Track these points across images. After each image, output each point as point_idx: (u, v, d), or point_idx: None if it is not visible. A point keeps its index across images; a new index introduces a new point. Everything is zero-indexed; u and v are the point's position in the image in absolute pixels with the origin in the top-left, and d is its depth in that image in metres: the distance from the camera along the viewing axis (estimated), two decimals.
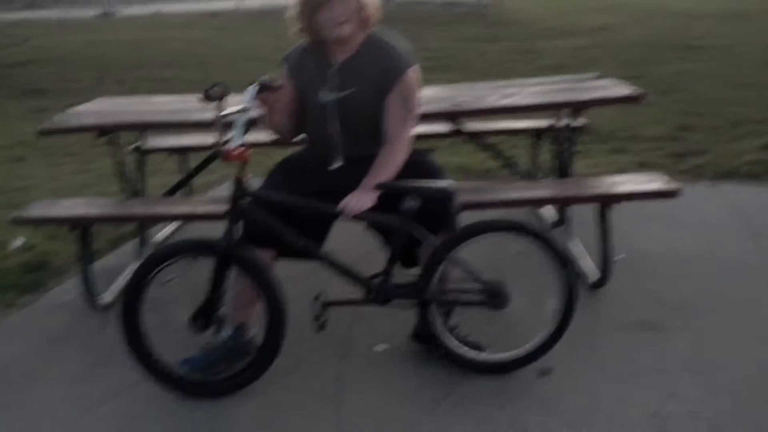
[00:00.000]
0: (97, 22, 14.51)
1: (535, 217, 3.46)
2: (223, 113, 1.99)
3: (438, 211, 2.17)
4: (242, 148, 2.00)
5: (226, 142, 2.01)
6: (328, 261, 2.16)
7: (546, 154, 3.52)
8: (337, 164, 2.30)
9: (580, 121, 3.16)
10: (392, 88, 2.19)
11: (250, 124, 2.10)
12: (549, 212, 3.41)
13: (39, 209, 2.74)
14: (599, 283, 2.68)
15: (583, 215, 2.70)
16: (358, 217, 2.10)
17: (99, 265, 3.05)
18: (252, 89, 2.07)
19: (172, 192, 3.24)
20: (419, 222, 2.09)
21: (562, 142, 3.08)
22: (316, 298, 2.19)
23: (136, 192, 3.17)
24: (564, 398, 2.08)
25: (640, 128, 5.10)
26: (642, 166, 4.15)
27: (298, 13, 2.19)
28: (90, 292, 2.70)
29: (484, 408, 2.06)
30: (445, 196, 2.13)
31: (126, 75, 8.50)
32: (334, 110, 2.23)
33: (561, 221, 3.21)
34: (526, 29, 11.05)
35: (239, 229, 2.10)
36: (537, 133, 3.50)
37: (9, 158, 5.37)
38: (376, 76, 2.20)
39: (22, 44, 10.76)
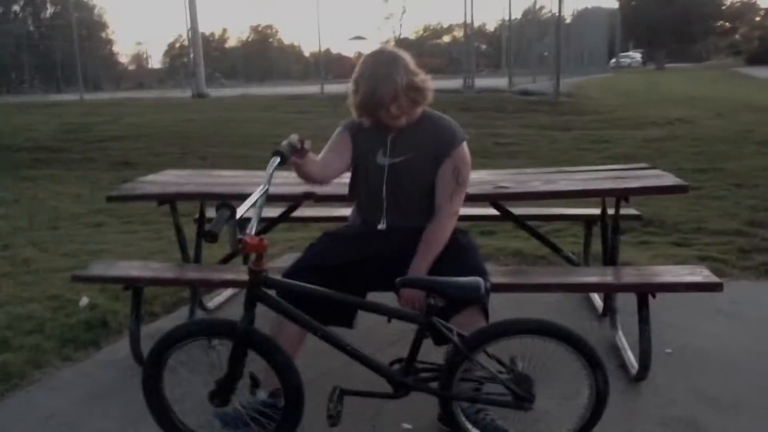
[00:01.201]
0: (189, 102, 15.53)
1: (587, 305, 3.40)
2: (239, 215, 1.93)
3: (465, 303, 2.19)
4: (259, 238, 1.97)
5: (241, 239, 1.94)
6: (348, 350, 2.13)
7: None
8: (381, 226, 2.38)
9: (632, 211, 3.14)
10: (445, 160, 2.32)
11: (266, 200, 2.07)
12: (599, 302, 3.34)
13: (98, 269, 2.92)
14: (640, 377, 2.59)
15: (635, 306, 2.64)
16: (383, 311, 2.12)
17: (153, 327, 3.20)
18: (272, 164, 2.08)
19: (227, 260, 3.39)
20: (448, 309, 2.09)
21: (609, 231, 3.05)
22: (333, 392, 2.12)
23: (193, 258, 3.34)
24: None
25: (708, 221, 4.97)
26: (704, 260, 4.02)
27: (358, 109, 2.34)
28: (137, 350, 2.83)
29: None
30: (472, 294, 2.08)
31: (207, 151, 9.02)
32: (387, 173, 2.35)
33: (608, 310, 3.14)
34: (599, 119, 11.07)
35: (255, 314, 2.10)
36: (587, 221, 3.48)
37: (90, 224, 5.76)
38: (430, 146, 2.33)
39: (118, 121, 11.61)
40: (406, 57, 2.33)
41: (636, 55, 50.28)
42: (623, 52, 44.61)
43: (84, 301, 3.66)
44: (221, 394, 2.15)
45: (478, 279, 2.06)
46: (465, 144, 2.37)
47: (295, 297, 2.14)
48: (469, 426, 2.16)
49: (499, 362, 2.09)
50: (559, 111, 11.96)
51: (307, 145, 2.19)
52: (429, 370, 2.14)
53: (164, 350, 2.14)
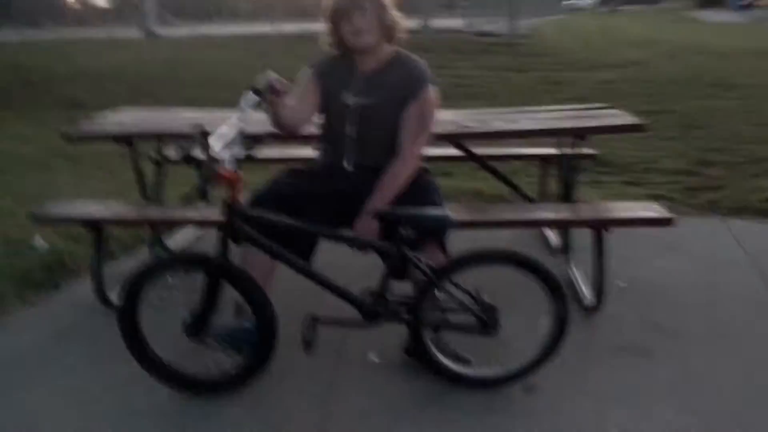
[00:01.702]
0: (139, 42, 14.98)
1: (542, 241, 3.51)
2: (212, 148, 1.92)
3: (432, 236, 2.26)
4: (232, 171, 1.96)
5: (215, 162, 1.93)
6: (319, 279, 2.20)
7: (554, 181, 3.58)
8: (348, 166, 2.40)
9: (587, 150, 3.21)
10: (411, 102, 2.31)
11: (249, 144, 2.03)
12: (554, 237, 3.45)
13: (57, 209, 2.87)
14: (593, 307, 2.71)
15: (588, 242, 2.74)
16: (355, 242, 2.20)
17: (113, 267, 3.18)
18: (248, 100, 2.06)
19: (188, 200, 3.37)
20: (414, 242, 2.15)
21: (566, 169, 3.13)
22: (306, 319, 2.21)
23: (153, 199, 3.31)
24: (545, 414, 2.12)
25: (658, 161, 5.12)
26: (655, 199, 4.16)
27: (328, 28, 2.36)
28: (100, 290, 2.82)
29: (465, 419, 2.11)
30: (441, 225, 2.20)
31: (160, 92, 8.77)
32: (355, 115, 2.35)
33: (563, 246, 3.24)
34: (556, 61, 11.14)
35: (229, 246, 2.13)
36: (544, 160, 3.56)
37: (39, 164, 5.59)
38: (398, 88, 2.33)
39: (64, 60, 11.14)
40: None
41: None
42: None
43: (39, 242, 3.59)
44: (195, 325, 2.18)
45: (446, 211, 2.15)
46: (432, 87, 2.36)
47: (264, 229, 2.16)
48: (436, 352, 2.24)
49: (465, 292, 2.17)
50: (516, 52, 11.98)
51: (283, 86, 2.17)
52: (398, 302, 2.22)
53: (142, 282, 2.16)
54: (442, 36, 13.39)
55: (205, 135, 1.94)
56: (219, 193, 2.23)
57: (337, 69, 2.41)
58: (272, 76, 2.14)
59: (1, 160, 5.77)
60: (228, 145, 1.98)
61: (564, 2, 36.71)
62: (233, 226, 2.11)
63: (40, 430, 2.09)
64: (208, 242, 3.44)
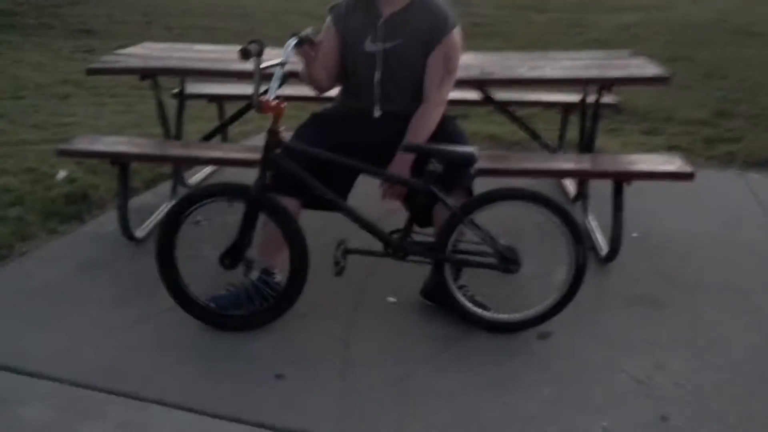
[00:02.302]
0: None
1: (559, 191, 3.53)
2: (262, 65, 2.08)
3: (458, 175, 2.28)
4: (277, 101, 2.10)
5: (263, 93, 2.11)
6: (353, 214, 2.28)
7: (575, 129, 3.57)
8: (376, 113, 2.41)
9: (610, 99, 3.20)
10: (436, 47, 2.30)
11: (287, 78, 2.22)
12: (571, 187, 3.47)
13: (83, 143, 2.90)
14: (609, 258, 2.76)
15: (605, 191, 2.77)
16: (391, 178, 2.25)
17: (135, 202, 3.24)
18: (290, 44, 2.16)
19: (208, 137, 3.39)
20: (443, 183, 2.20)
21: (588, 119, 3.13)
22: (339, 244, 2.30)
23: (174, 135, 3.33)
24: (558, 360, 2.19)
25: (677, 111, 5.07)
26: (672, 149, 4.16)
27: None
28: (125, 225, 2.88)
29: (481, 362, 2.18)
30: (468, 162, 2.22)
31: (173, 21, 8.66)
32: (379, 60, 2.34)
33: (580, 196, 3.27)
34: (575, 1, 10.86)
35: (270, 177, 2.23)
36: (566, 108, 3.55)
37: (55, 95, 5.59)
38: (422, 32, 2.30)
39: None
40: None
41: None
42: None
43: (61, 174, 3.64)
44: (232, 256, 2.27)
45: (473, 148, 2.19)
46: (456, 31, 2.34)
47: (302, 164, 2.23)
48: (456, 292, 2.31)
49: (487, 233, 2.23)
50: None
51: (318, 38, 2.29)
52: (423, 240, 2.29)
53: (183, 210, 2.24)
54: None
55: (259, 43, 2.08)
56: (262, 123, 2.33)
57: (357, 14, 2.37)
58: (309, 29, 2.25)
59: (19, 88, 5.77)
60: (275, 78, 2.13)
61: None
62: (275, 155, 2.18)
63: (72, 359, 2.18)
64: (222, 179, 3.50)
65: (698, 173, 2.71)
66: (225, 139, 3.81)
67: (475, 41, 7.19)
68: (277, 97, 2.11)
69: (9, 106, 5.21)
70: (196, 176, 3.64)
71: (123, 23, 8.61)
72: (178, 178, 3.38)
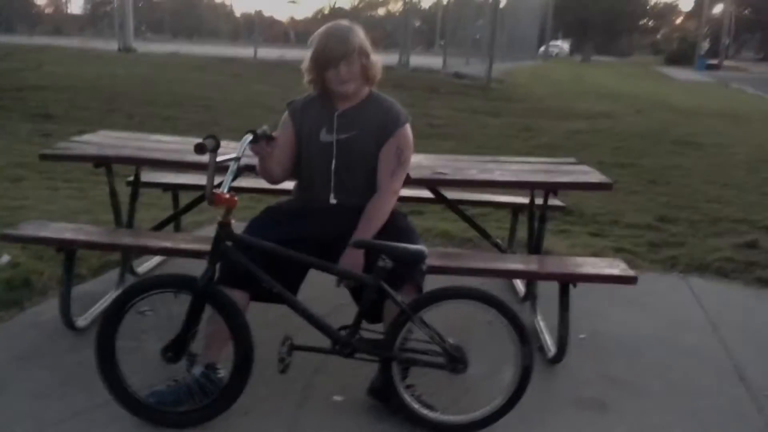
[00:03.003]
0: (114, 55, 14.90)
1: (510, 289, 3.58)
2: (217, 159, 2.11)
3: (408, 271, 2.30)
4: (230, 194, 2.13)
5: (216, 186, 2.13)
6: (300, 309, 2.26)
7: (524, 228, 3.67)
8: (332, 200, 2.46)
9: (557, 201, 3.32)
10: (388, 139, 2.40)
11: (241, 172, 2.24)
12: (521, 285, 3.53)
13: (29, 229, 2.85)
14: (556, 359, 2.77)
15: (554, 291, 2.82)
16: (340, 272, 2.25)
17: (80, 290, 3.16)
18: (246, 140, 2.21)
19: (160, 226, 3.37)
20: (393, 280, 2.21)
21: (536, 220, 3.23)
22: (285, 340, 2.27)
23: (126, 223, 3.30)
24: None
25: (623, 214, 5.27)
26: (619, 251, 4.29)
27: (309, 67, 2.43)
28: (66, 314, 2.79)
29: None
30: (418, 259, 2.24)
31: (134, 109, 8.75)
32: (335, 150, 2.42)
33: (529, 295, 3.32)
34: (527, 107, 11.42)
35: (217, 270, 2.21)
36: (515, 209, 3.66)
37: (8, 177, 5.52)
38: (375, 125, 2.41)
39: (37, 69, 11.03)
40: (362, 30, 2.43)
41: (564, 45, 51.65)
42: (552, 40, 45.77)
43: (5, 258, 3.54)
44: (175, 349, 2.22)
45: (422, 247, 2.23)
46: (408, 126, 2.46)
47: (251, 258, 2.23)
48: (403, 392, 2.29)
49: (435, 332, 2.23)
50: (489, 96, 12.24)
51: (275, 134, 2.34)
52: (371, 338, 2.28)
53: (129, 299, 2.20)
54: (418, 74, 13.63)
55: (215, 139, 2.11)
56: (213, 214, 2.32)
57: (314, 108, 2.48)
58: (265, 126, 2.29)
59: None
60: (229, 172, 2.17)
61: (540, 49, 37.77)
62: (224, 247, 2.18)
63: None
64: (172, 269, 3.46)
65: (643, 276, 2.80)
66: (178, 228, 3.79)
67: (431, 141, 7.47)
68: (232, 189, 2.14)
69: None
70: (145, 265, 3.59)
71: (84, 109, 8.67)
72: (126, 267, 3.33)
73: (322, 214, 2.45)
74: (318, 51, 2.37)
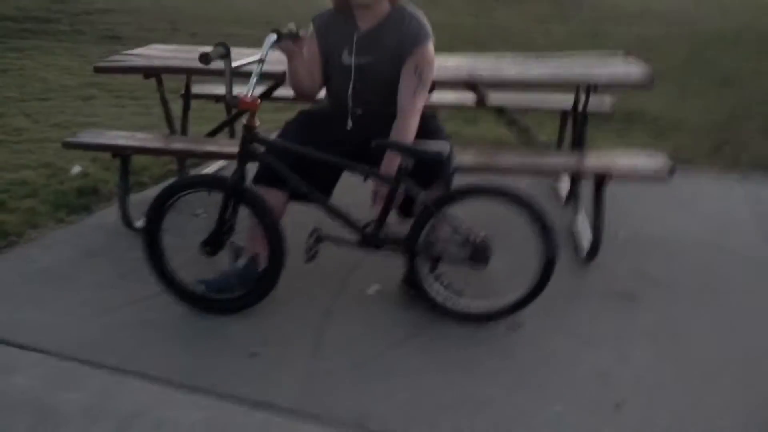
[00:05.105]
0: None
1: (553, 191, 3.59)
2: (241, 62, 2.18)
3: (433, 170, 2.36)
4: (253, 97, 2.20)
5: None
6: (327, 206, 2.37)
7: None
8: (348, 125, 2.49)
9: (601, 100, 3.24)
10: (408, 58, 2.34)
11: (264, 76, 2.28)
12: (564, 186, 3.51)
13: (87, 137, 3.06)
14: (590, 256, 2.80)
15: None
16: (361, 170, 2.32)
17: (141, 196, 3.40)
18: (269, 39, 2.22)
19: (213, 133, 3.53)
20: (417, 177, 2.27)
21: (578, 119, 3.18)
22: (313, 232, 2.39)
23: (180, 132, 3.48)
24: (522, 349, 2.26)
25: (686, 118, 5.07)
26: (677, 156, 4.15)
27: None
28: (125, 215, 3.02)
29: (446, 348, 2.27)
30: (437, 158, 2.27)
31: (198, 28, 8.89)
32: (354, 73, 2.41)
33: (572, 196, 3.31)
34: (598, 16, 10.84)
35: (247, 170, 2.31)
36: (563, 113, 3.59)
37: (80, 96, 5.82)
38: (394, 45, 2.35)
39: None
40: None
41: None
42: None
43: (76, 169, 3.82)
44: (211, 243, 2.39)
45: (444, 143, 2.26)
46: (430, 43, 2.36)
47: (282, 158, 2.32)
48: (429, 284, 2.39)
49: (460, 226, 2.30)
50: (558, 1, 11.69)
51: (303, 32, 2.32)
52: (397, 232, 2.37)
53: (166, 199, 2.36)
54: None
55: (225, 46, 2.16)
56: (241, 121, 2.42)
57: (336, 26, 2.43)
58: (291, 24, 2.29)
59: (46, 90, 6.02)
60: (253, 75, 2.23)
61: None
62: (250, 149, 2.28)
63: (61, 334, 2.32)
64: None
65: (699, 177, 2.70)
66: (232, 135, 3.95)
67: (493, 47, 7.28)
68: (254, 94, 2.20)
69: (35, 106, 5.45)
70: (205, 171, 3.78)
71: (150, 30, 8.86)
72: (183, 173, 3.52)
73: (345, 129, 2.50)
74: None
